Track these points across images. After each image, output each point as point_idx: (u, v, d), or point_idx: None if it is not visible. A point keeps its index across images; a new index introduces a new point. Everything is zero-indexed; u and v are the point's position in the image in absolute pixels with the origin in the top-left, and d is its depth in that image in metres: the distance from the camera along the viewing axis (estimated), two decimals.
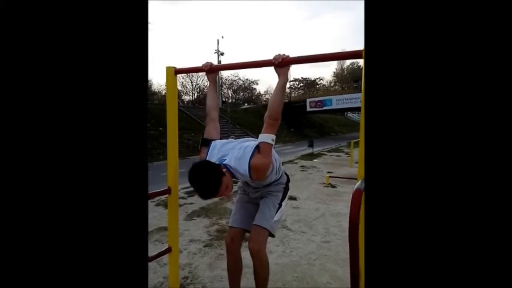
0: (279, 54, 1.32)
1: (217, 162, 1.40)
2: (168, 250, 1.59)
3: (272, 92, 1.71)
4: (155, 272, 2.37)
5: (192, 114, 16.31)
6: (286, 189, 1.72)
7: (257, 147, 1.38)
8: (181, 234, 3.14)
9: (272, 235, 1.60)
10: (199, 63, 1.55)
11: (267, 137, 1.36)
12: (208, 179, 1.30)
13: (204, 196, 1.33)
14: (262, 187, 1.65)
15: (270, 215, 1.59)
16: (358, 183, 0.97)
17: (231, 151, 1.42)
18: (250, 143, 1.45)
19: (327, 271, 2.39)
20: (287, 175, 1.76)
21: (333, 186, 5.61)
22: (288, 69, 1.39)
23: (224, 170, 1.35)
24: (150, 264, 2.21)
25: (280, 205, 1.64)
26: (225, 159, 1.41)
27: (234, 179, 1.41)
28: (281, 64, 1.32)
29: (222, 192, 1.32)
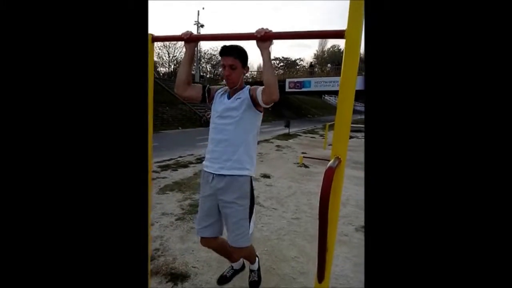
0: (262, 28, 1.29)
1: None
2: None
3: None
4: None
5: (168, 87, 15.74)
6: (252, 192, 1.55)
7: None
8: (153, 208, 3.11)
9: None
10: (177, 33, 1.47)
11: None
12: None
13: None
14: (229, 176, 1.50)
15: (244, 231, 1.50)
16: (331, 162, 1.00)
17: None
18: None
19: (296, 246, 2.49)
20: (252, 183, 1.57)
21: (306, 166, 5.76)
22: (270, 44, 1.36)
23: None
24: None
25: (250, 212, 1.53)
26: None
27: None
28: (264, 38, 1.29)
29: None
